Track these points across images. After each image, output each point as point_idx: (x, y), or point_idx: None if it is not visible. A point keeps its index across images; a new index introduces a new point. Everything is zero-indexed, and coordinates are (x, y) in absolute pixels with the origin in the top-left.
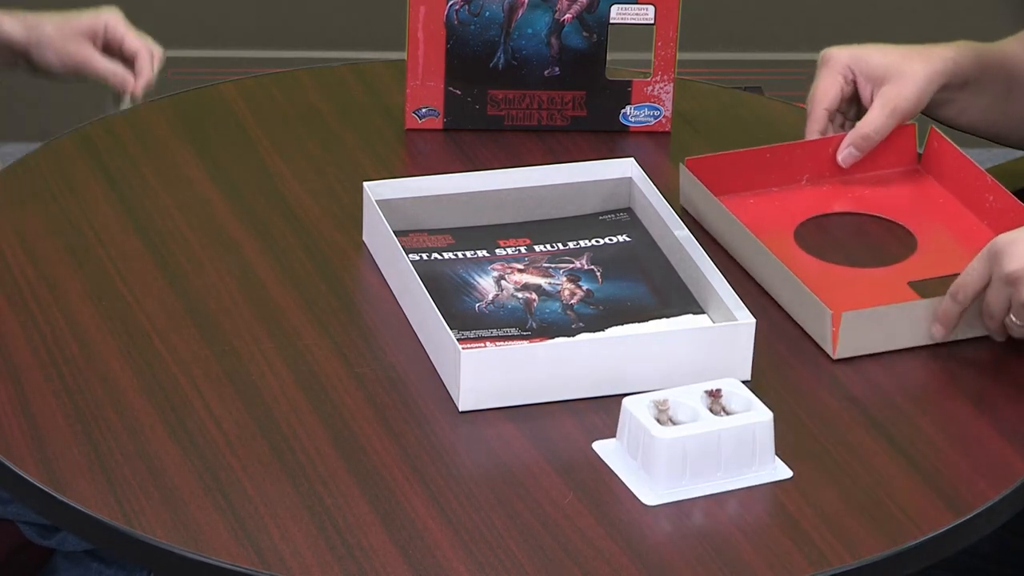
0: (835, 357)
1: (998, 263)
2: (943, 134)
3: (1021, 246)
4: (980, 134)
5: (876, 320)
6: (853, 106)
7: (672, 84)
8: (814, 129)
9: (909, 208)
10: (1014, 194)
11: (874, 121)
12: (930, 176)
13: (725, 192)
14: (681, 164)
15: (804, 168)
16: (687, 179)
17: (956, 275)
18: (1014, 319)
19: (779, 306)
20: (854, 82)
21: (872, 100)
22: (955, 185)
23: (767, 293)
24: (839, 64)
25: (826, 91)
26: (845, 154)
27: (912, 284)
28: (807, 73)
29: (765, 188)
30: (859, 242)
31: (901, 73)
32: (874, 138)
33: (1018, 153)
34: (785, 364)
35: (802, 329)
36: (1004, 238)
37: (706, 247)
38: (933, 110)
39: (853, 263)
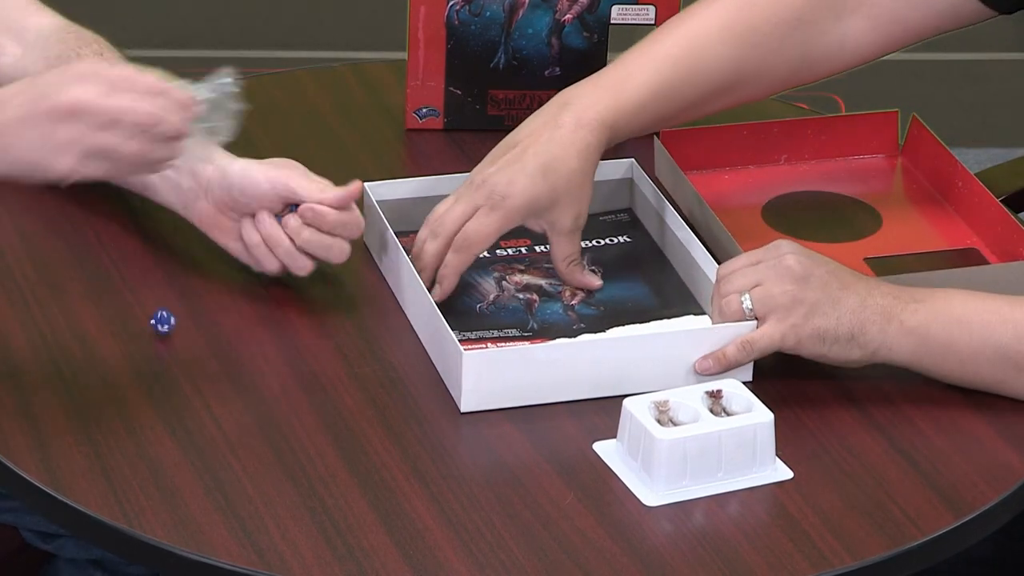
0: None
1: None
2: (923, 123)
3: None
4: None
5: None
6: None
7: None
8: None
9: (881, 190)
10: (1014, 194)
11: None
12: (908, 163)
13: (700, 167)
14: (655, 137)
15: (782, 148)
16: (660, 153)
17: (913, 254)
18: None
19: None
20: None
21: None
22: (929, 172)
23: None
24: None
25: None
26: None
27: (867, 260)
28: None
29: (743, 165)
30: (824, 219)
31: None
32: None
33: (1023, 153)
34: (786, 365)
35: None
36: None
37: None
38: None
39: (813, 238)
